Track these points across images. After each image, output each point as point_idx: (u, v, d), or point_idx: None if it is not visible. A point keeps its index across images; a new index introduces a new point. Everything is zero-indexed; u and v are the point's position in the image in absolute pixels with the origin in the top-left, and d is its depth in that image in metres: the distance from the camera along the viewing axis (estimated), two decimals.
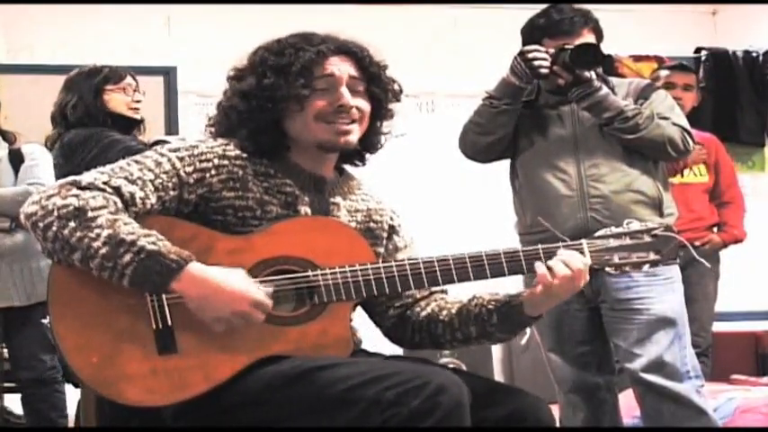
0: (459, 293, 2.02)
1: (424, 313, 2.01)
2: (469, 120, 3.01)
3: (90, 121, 3.40)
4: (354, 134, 1.95)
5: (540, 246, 1.88)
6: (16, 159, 3.76)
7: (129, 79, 3.51)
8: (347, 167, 2.09)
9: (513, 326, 1.93)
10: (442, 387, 1.63)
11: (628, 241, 1.91)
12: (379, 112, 2.01)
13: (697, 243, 4.10)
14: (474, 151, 3.04)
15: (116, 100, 3.45)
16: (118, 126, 3.41)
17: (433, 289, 2.02)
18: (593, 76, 2.86)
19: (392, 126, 2.06)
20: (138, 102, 3.50)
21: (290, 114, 1.92)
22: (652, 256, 1.91)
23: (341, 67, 1.93)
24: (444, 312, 1.99)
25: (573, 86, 2.85)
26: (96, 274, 1.72)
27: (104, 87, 3.44)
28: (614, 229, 1.92)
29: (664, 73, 4.26)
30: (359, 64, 1.96)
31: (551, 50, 2.83)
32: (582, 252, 1.87)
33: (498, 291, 1.97)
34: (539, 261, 1.85)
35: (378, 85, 1.98)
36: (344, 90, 1.92)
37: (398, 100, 2.03)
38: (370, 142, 2.04)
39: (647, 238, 1.91)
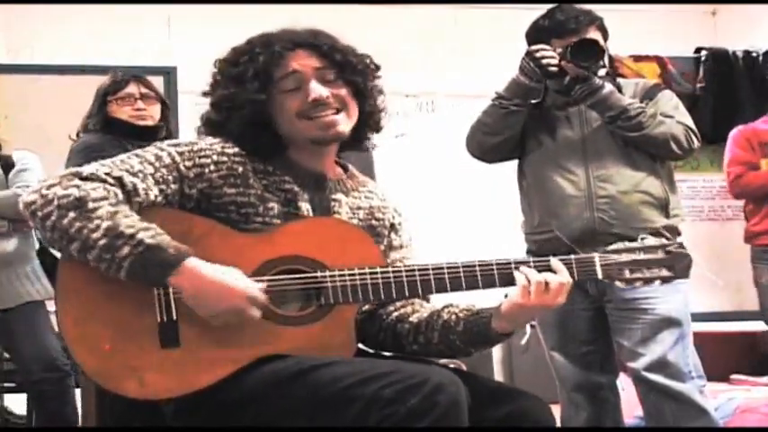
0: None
1: (396, 313, 1.99)
2: (477, 120, 3.02)
3: (90, 128, 3.44)
4: (343, 124, 1.93)
5: (511, 259, 1.84)
6: (6, 166, 3.75)
7: (130, 89, 3.47)
8: (351, 168, 2.07)
9: (478, 338, 1.89)
10: (440, 386, 1.62)
11: (641, 256, 1.89)
12: (362, 93, 1.97)
13: None
14: (481, 151, 3.06)
15: (118, 110, 3.45)
16: (127, 134, 3.39)
17: None
18: (602, 73, 2.88)
19: (387, 101, 2.01)
20: (138, 110, 3.45)
21: (275, 116, 1.91)
22: (664, 273, 1.89)
23: (303, 62, 1.92)
24: (415, 315, 1.97)
25: (577, 84, 2.86)
26: (94, 265, 1.72)
27: (107, 98, 3.46)
28: (628, 244, 1.90)
29: None
30: (320, 53, 1.93)
31: (559, 49, 2.86)
32: (593, 265, 1.86)
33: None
34: (518, 273, 1.82)
35: (347, 70, 1.94)
36: (314, 84, 1.90)
37: (376, 75, 1.99)
38: (366, 123, 2.00)
39: (660, 254, 1.89)
